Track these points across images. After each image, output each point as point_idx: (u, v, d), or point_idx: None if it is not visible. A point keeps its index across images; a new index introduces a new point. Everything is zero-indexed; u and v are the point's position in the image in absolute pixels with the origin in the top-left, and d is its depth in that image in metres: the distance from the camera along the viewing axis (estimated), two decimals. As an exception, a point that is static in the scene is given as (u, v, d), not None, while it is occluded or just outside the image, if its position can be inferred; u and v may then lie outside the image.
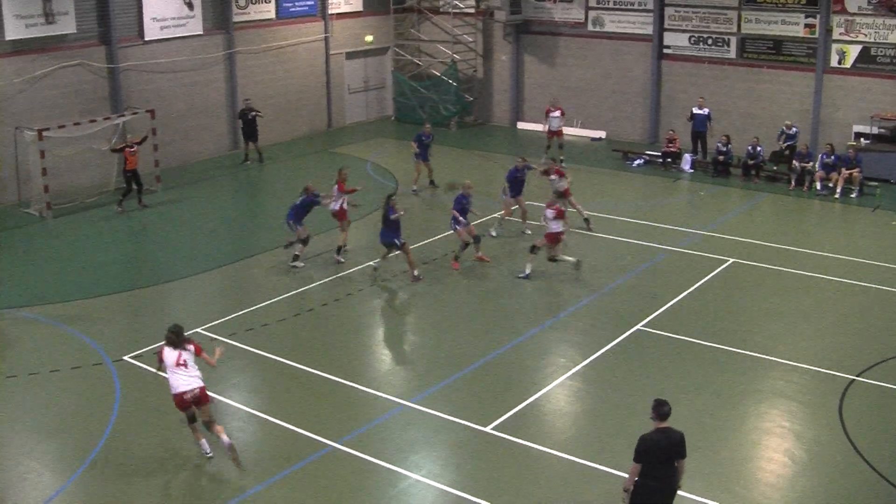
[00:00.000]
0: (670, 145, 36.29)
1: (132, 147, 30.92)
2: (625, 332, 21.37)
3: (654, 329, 21.56)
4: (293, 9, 40.62)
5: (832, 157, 32.43)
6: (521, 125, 42.90)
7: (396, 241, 24.52)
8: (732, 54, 37.36)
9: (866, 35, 34.62)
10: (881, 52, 34.43)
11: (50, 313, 22.88)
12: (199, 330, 21.57)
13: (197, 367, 16.26)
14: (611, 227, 28.63)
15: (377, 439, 17.08)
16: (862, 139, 34.28)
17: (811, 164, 32.93)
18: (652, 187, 33.75)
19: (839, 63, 35.25)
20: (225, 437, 16.00)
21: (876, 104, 34.59)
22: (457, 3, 43.48)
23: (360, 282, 24.75)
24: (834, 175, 32.16)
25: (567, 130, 37.92)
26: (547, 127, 36.46)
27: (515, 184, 27.93)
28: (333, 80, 43.00)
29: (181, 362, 15.99)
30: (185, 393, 15.95)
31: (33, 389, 19.28)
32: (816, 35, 35.33)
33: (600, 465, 16.09)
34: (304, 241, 25.75)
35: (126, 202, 31.00)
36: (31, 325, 22.47)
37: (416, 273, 24.67)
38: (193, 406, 16.11)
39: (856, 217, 30.36)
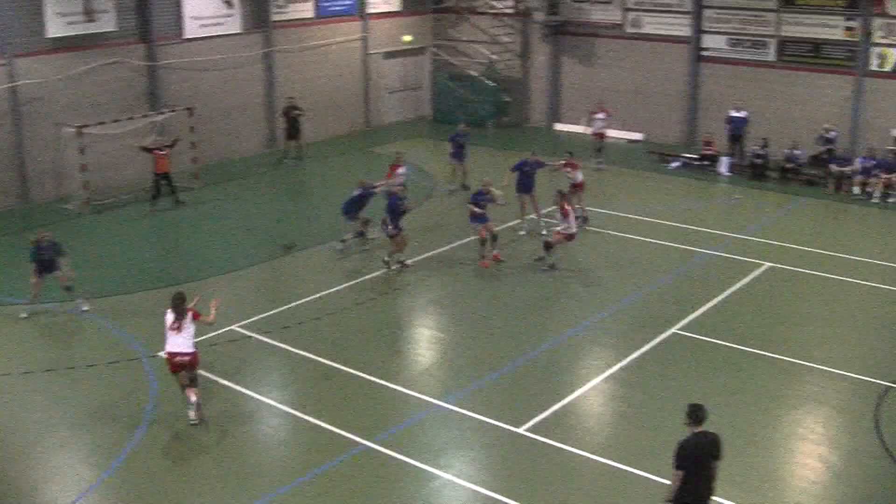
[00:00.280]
0: (707, 148, 36.15)
1: (162, 150, 30.93)
2: (660, 336, 21.30)
3: (690, 332, 21.48)
4: (332, 8, 40.76)
5: (871, 162, 32.21)
6: (558, 126, 42.82)
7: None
8: (771, 57, 37.11)
9: (907, 38, 34.41)
10: (922, 55, 34.19)
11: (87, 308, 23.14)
12: (234, 327, 21.74)
13: (193, 333, 17.37)
14: (647, 230, 28.53)
15: (410, 439, 17.12)
16: (902, 143, 34.04)
17: (850, 168, 32.72)
18: (688, 190, 33.61)
19: (879, 66, 34.96)
20: (193, 399, 17.39)
21: (916, 108, 34.33)
22: (495, 3, 43.47)
23: (397, 281, 24.81)
24: (873, 179, 31.95)
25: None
26: (592, 129, 36.40)
27: (522, 178, 28.11)
28: (371, 80, 43.13)
29: (175, 327, 17.23)
30: (174, 355, 17.23)
31: (70, 383, 19.47)
32: (857, 38, 35.06)
33: (634, 468, 16.05)
34: (361, 234, 26.67)
35: (157, 203, 31.04)
36: (68, 320, 22.70)
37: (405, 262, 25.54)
38: (182, 369, 17.32)
39: (894, 222, 30.10)
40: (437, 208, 30.17)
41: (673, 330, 21.59)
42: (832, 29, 35.70)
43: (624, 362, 20.10)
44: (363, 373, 19.62)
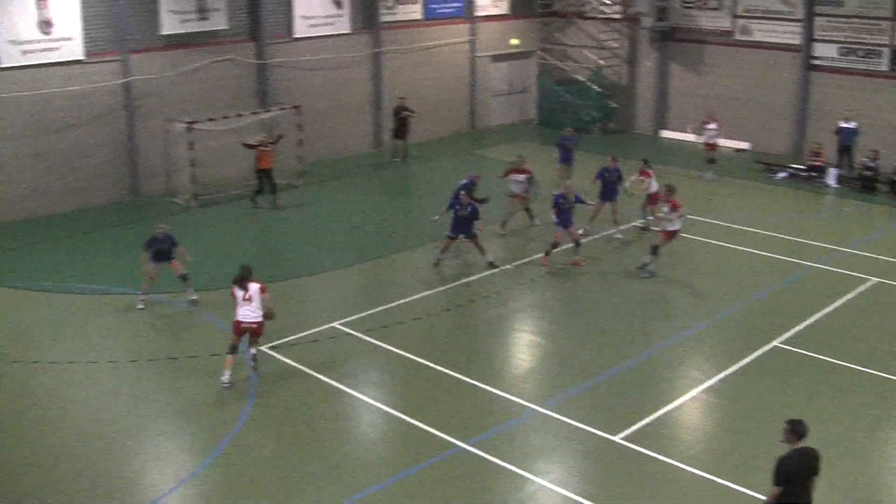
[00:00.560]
0: (815, 159, 35.55)
1: (266, 147, 31.17)
2: (761, 348, 21.01)
3: (792, 346, 21.14)
4: (440, 10, 40.99)
5: None
6: (663, 133, 42.50)
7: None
8: (885, 66, 36.33)
9: None
10: None
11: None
12: (335, 325, 21.98)
13: (260, 304, 18.91)
14: (751, 240, 28.16)
15: (506, 442, 17.14)
16: None
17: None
18: (795, 201, 33.09)
19: None
20: (252, 351, 19.40)
21: None
22: (603, 8, 43.30)
23: (499, 283, 24.85)
24: None
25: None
26: (703, 138, 35.97)
27: (607, 187, 28.10)
28: (478, 82, 43.29)
29: (247, 298, 18.94)
30: (242, 322, 19.01)
31: (171, 374, 19.89)
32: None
33: (729, 481, 15.86)
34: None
35: (260, 199, 31.47)
36: (172, 312, 23.18)
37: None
38: (249, 335, 19.17)
39: None
40: (541, 211, 30.08)
41: (774, 343, 21.28)
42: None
43: (723, 374, 19.87)
44: (461, 374, 19.69)
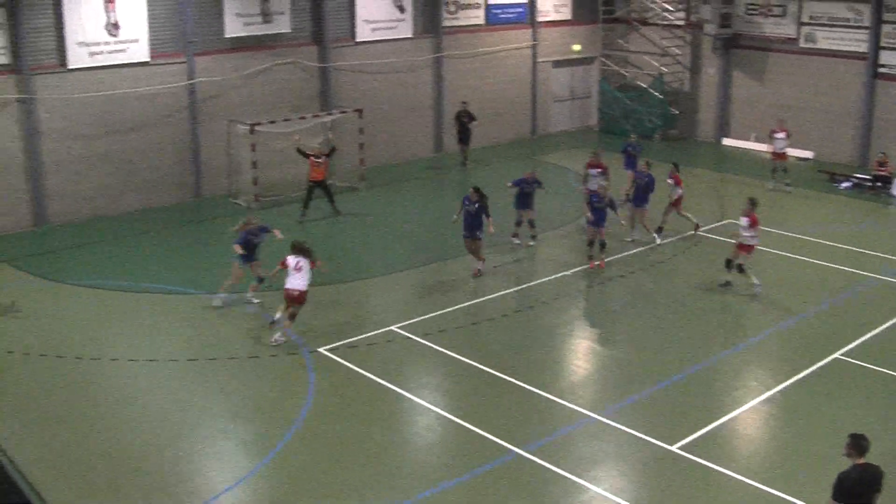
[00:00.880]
0: (881, 169, 35.08)
1: (319, 158, 30.48)
2: (822, 360, 20.76)
3: (854, 359, 20.86)
4: (502, 15, 40.99)
5: None
6: (726, 141, 42.15)
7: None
8: (953, 77, 35.87)
9: None
10: None
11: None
12: (393, 328, 22.06)
13: (308, 277, 20.98)
14: (814, 251, 27.84)
15: (562, 449, 17.11)
16: None
17: None
18: (859, 212, 32.67)
19: None
20: (279, 316, 21.37)
21: None
22: (666, 15, 43.07)
23: (556, 290, 24.80)
24: None
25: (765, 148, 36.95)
26: (772, 148, 35.45)
27: (637, 192, 28.15)
28: (539, 88, 43.20)
29: (297, 267, 20.94)
30: (292, 290, 20.98)
31: (232, 373, 20.09)
32: None
33: (787, 494, 15.69)
34: (530, 223, 27.89)
35: (307, 212, 30.75)
36: (233, 312, 23.36)
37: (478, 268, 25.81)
38: (294, 302, 21.08)
39: None
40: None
41: (836, 355, 21.01)
42: None
43: (783, 385, 19.66)
44: (518, 380, 19.67)
